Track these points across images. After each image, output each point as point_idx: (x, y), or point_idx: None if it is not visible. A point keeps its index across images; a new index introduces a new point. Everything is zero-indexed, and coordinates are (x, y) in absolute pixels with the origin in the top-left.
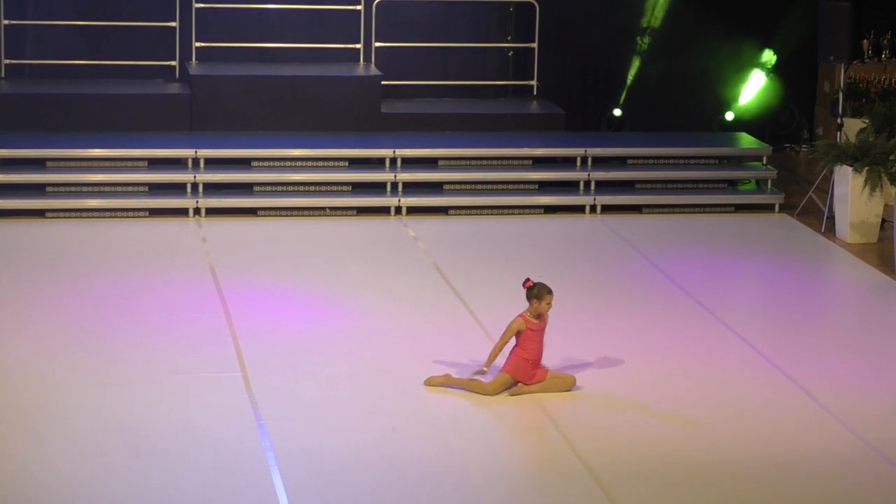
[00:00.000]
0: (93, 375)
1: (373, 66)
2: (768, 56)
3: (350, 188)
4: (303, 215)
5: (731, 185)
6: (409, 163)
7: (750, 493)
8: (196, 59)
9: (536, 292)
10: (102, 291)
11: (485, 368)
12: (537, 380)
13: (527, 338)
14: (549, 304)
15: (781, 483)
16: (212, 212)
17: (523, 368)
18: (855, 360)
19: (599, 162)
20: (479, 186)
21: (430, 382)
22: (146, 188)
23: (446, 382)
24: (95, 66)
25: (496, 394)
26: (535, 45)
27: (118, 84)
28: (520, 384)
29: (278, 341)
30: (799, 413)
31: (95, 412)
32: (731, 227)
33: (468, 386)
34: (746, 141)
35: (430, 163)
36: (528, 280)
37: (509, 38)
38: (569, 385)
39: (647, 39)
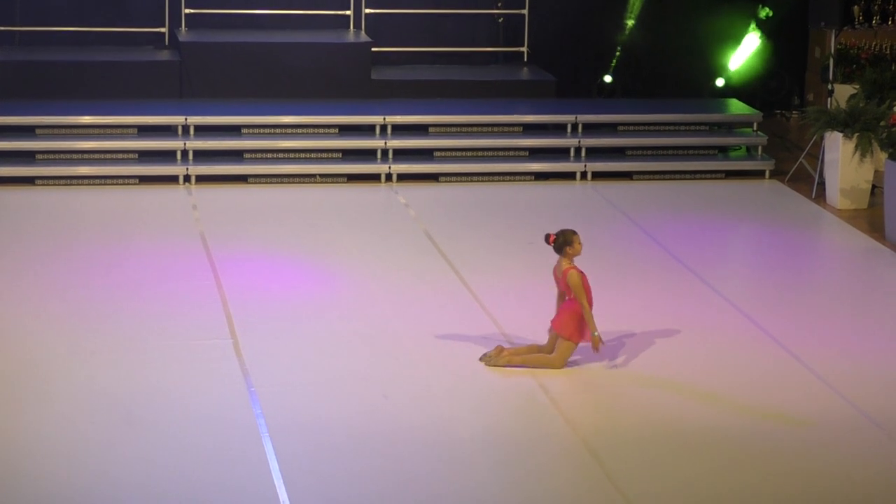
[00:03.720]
0: (83, 342)
1: (363, 32)
2: (763, 14)
3: (340, 155)
4: (293, 182)
5: (722, 151)
6: (400, 130)
7: (741, 461)
8: (186, 26)
9: (563, 239)
10: (92, 259)
11: (596, 334)
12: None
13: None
14: (580, 244)
15: (773, 450)
16: (202, 179)
17: (578, 324)
18: (846, 327)
19: (590, 129)
20: (470, 153)
21: (489, 363)
22: (136, 155)
23: (510, 362)
24: (85, 33)
25: (564, 364)
26: (525, 11)
27: (108, 51)
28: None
29: (269, 308)
30: (790, 378)
31: (86, 379)
32: (721, 194)
33: (534, 363)
34: (737, 107)
35: (420, 130)
36: (549, 235)
37: (499, 3)
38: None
39: (637, 5)
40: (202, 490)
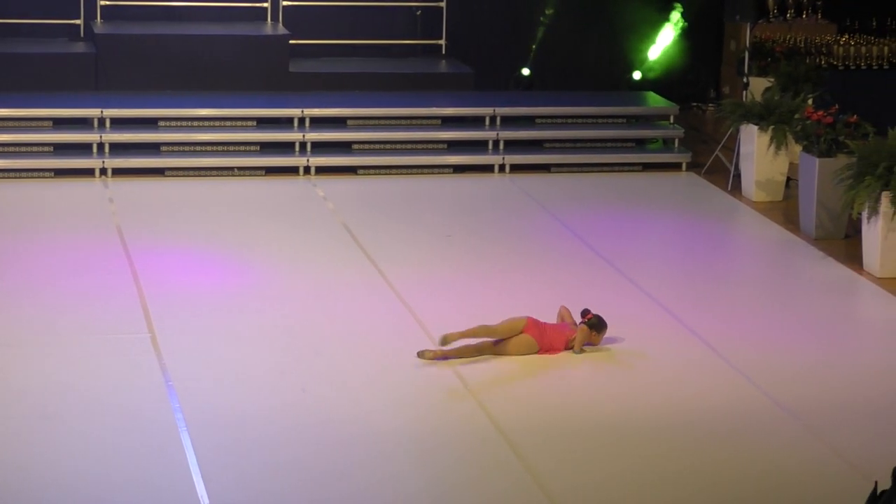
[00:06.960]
0: None
1: (280, 24)
2: (676, 12)
3: (258, 148)
4: (210, 175)
5: (639, 143)
6: (318, 122)
7: (661, 453)
8: (101, 18)
9: (596, 323)
10: (6, 253)
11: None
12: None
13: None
14: (599, 340)
15: (692, 441)
16: (118, 172)
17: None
18: (760, 317)
19: (508, 121)
20: (388, 146)
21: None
22: (51, 148)
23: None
24: None
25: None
26: (443, 3)
27: (22, 43)
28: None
29: (186, 302)
30: (706, 369)
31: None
32: (638, 186)
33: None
34: (654, 100)
35: (338, 122)
36: (588, 311)
37: None
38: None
39: None
40: (119, 485)
